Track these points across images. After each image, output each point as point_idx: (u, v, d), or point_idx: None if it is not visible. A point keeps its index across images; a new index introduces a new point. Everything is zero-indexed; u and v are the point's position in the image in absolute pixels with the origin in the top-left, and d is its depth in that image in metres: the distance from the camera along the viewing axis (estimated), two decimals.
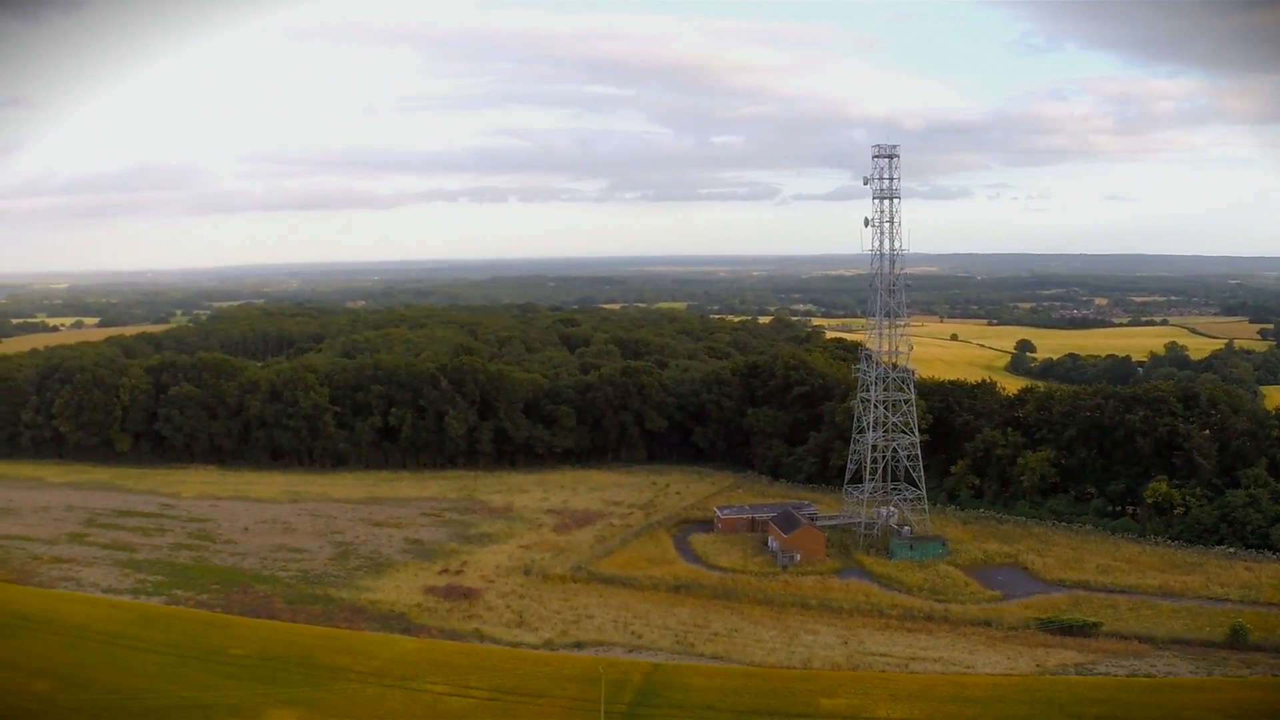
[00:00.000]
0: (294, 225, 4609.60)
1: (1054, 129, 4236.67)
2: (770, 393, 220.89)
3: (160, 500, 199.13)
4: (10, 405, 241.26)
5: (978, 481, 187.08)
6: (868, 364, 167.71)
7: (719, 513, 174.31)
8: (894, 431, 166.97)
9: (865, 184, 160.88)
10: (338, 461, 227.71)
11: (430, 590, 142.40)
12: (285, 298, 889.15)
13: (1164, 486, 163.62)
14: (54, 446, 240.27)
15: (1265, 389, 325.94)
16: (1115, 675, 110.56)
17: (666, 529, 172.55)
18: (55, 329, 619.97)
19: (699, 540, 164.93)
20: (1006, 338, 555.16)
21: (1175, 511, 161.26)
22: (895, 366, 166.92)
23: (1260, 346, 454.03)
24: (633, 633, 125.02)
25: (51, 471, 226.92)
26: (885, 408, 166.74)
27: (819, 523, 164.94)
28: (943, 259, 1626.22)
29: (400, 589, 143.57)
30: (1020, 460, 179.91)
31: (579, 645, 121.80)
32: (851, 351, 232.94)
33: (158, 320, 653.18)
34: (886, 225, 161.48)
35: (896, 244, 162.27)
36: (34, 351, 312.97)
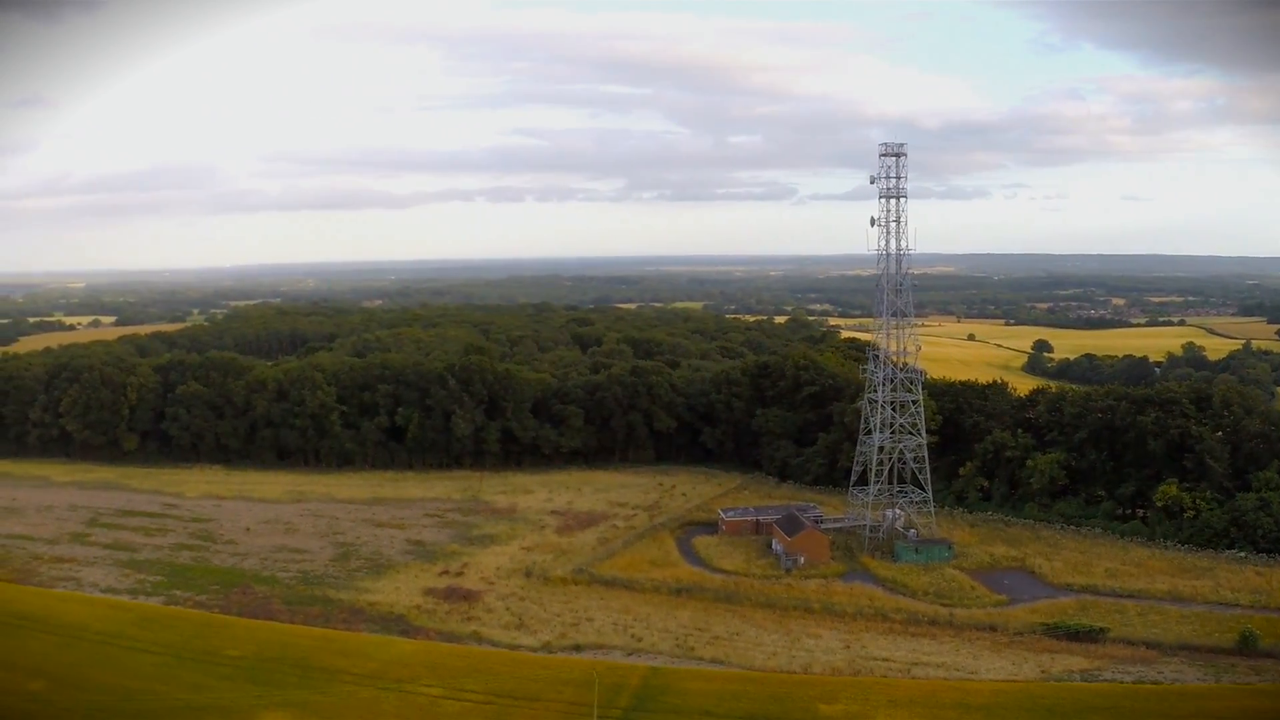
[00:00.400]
0: (311, 224, 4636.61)
1: (1071, 129, 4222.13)
2: (780, 393, 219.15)
3: (164, 500, 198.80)
4: (18, 404, 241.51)
5: (986, 484, 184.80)
6: (875, 364, 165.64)
7: (723, 515, 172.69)
8: (901, 433, 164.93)
9: (872, 183, 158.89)
10: (344, 461, 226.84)
11: (430, 592, 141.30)
12: (302, 297, 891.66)
13: (1174, 489, 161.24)
14: (61, 445, 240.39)
15: None
16: (1121, 682, 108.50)
17: (670, 531, 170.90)
18: (71, 328, 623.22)
19: (703, 542, 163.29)
20: (1023, 338, 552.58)
21: (1186, 515, 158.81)
22: (903, 367, 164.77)
23: (1278, 347, 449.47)
24: (632, 636, 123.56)
25: (57, 470, 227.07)
26: (893, 409, 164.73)
27: (824, 525, 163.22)
28: (960, 259, 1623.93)
29: (400, 590, 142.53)
30: (1030, 462, 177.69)
31: (578, 648, 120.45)
32: (864, 351, 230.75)
33: (174, 319, 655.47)
34: (893, 225, 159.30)
35: (903, 244, 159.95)
36: (43, 350, 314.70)
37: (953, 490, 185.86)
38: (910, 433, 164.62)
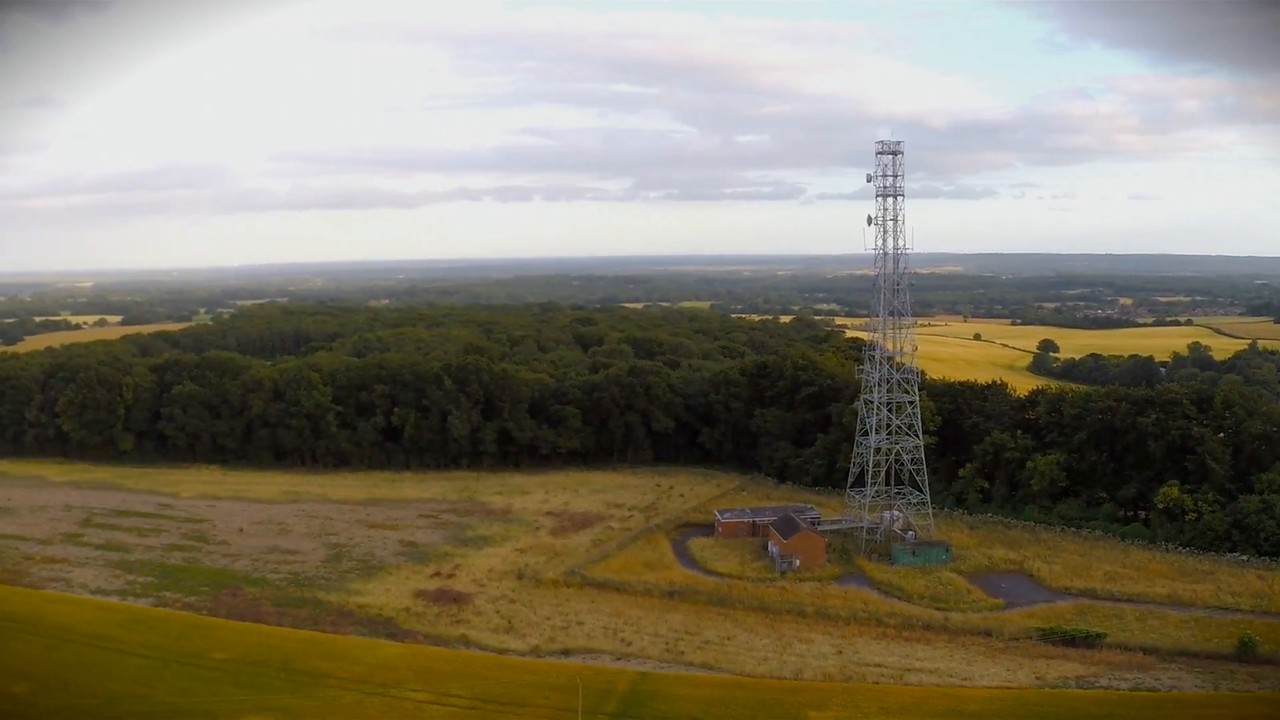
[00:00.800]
0: (320, 224, 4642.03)
1: (1079, 128, 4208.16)
2: (779, 393, 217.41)
3: (159, 500, 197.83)
4: (15, 404, 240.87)
5: (986, 485, 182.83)
6: (871, 365, 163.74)
7: (719, 516, 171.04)
8: (899, 434, 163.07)
9: (869, 181, 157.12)
10: (340, 462, 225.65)
11: (420, 594, 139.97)
12: (309, 296, 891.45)
13: (1175, 491, 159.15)
14: (58, 445, 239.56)
15: None
16: (1117, 689, 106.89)
17: (666, 532, 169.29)
18: (77, 327, 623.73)
19: (698, 544, 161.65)
20: (1030, 337, 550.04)
21: (1187, 517, 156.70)
22: (900, 367, 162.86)
23: None
24: (622, 640, 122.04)
25: (53, 470, 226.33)
26: (890, 410, 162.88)
27: (820, 527, 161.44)
28: (968, 259, 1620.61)
29: (390, 592, 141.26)
30: (1030, 464, 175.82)
31: (566, 652, 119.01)
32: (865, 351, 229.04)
33: (180, 318, 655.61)
34: (891, 223, 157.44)
35: (901, 243, 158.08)
36: (44, 350, 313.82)
37: (952, 492, 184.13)
38: (908, 434, 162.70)
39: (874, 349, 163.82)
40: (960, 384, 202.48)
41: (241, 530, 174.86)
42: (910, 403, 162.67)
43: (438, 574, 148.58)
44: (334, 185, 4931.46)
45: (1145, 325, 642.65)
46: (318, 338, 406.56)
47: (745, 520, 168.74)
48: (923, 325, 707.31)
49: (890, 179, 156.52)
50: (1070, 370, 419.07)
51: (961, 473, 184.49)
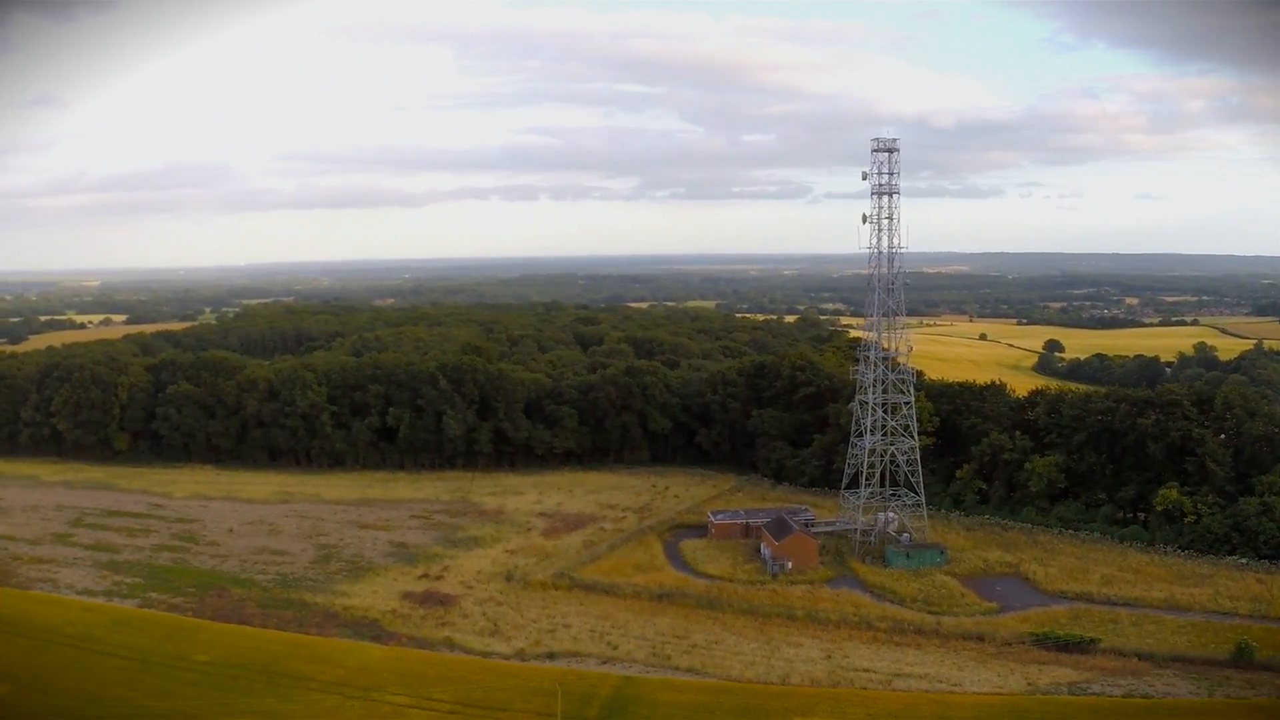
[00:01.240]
0: (326, 223, 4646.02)
1: (1085, 127, 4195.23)
2: (776, 394, 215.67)
3: (151, 500, 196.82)
4: (10, 403, 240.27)
5: (984, 486, 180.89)
6: (865, 365, 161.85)
7: (712, 517, 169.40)
8: (894, 435, 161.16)
9: (864, 179, 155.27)
10: (335, 462, 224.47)
11: (407, 596, 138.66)
12: (315, 295, 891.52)
13: (1175, 494, 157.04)
14: (53, 445, 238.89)
15: None
16: (1110, 696, 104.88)
17: (658, 534, 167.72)
18: (82, 326, 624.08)
19: (690, 546, 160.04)
20: (1035, 337, 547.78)
21: (1186, 520, 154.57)
22: (894, 368, 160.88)
23: None
24: (608, 643, 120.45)
25: (48, 470, 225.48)
26: (885, 410, 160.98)
27: (814, 529, 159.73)
28: (974, 258, 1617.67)
29: (377, 594, 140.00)
30: (1028, 465, 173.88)
31: (551, 656, 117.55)
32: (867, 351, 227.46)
33: (185, 317, 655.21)
34: (885, 222, 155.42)
35: (896, 241, 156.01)
36: (45, 349, 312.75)
37: (950, 493, 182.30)
38: (903, 435, 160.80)
39: (869, 349, 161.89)
40: (958, 384, 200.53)
41: (232, 531, 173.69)
42: (906, 403, 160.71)
43: (425, 575, 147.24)
44: (340, 184, 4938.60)
45: (1151, 325, 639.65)
46: (320, 337, 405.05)
47: (738, 522, 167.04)
48: (928, 325, 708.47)
49: (886, 177, 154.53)
50: (1075, 370, 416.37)
51: (959, 474, 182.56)
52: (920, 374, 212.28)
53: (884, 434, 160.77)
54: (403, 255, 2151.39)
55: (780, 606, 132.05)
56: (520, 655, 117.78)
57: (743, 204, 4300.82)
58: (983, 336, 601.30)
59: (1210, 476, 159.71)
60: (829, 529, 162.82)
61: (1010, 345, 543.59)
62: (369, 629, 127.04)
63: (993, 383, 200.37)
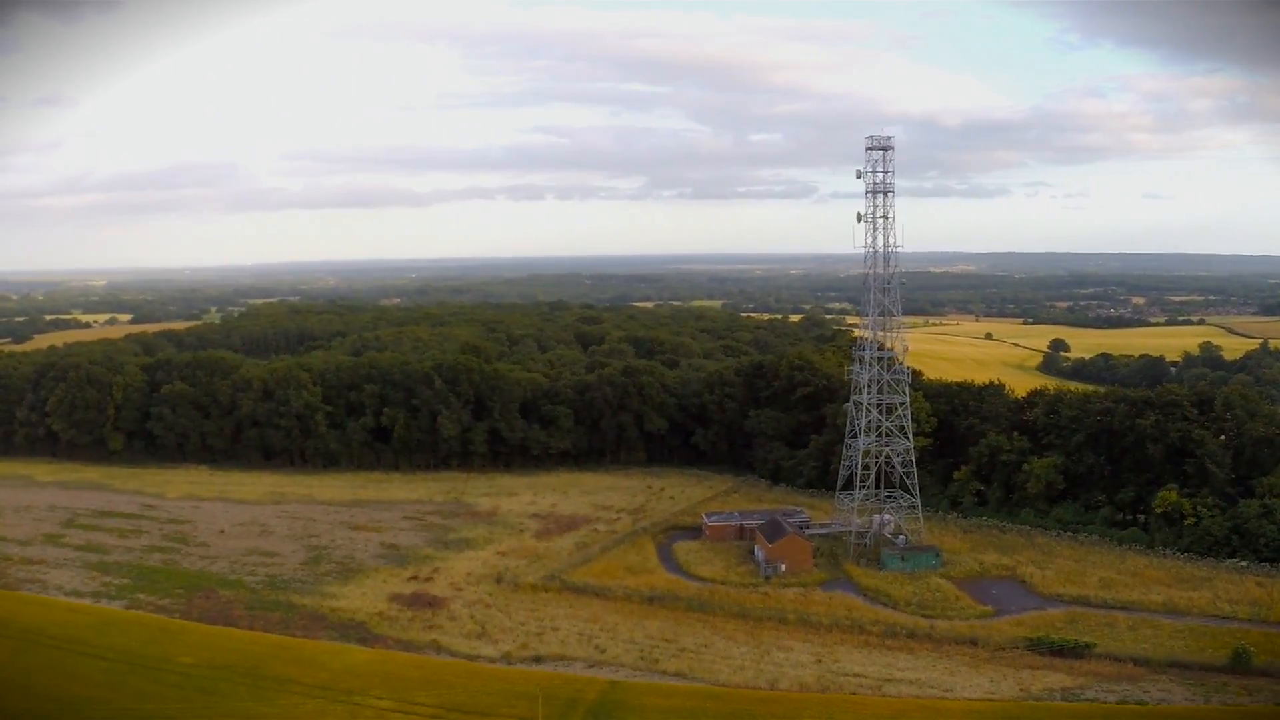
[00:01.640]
0: (334, 222, 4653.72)
1: (1092, 127, 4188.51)
2: (774, 394, 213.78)
3: (143, 501, 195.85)
4: (5, 403, 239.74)
5: (982, 488, 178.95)
6: (860, 366, 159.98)
7: (707, 519, 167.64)
8: (890, 436, 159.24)
9: (859, 177, 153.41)
10: (329, 462, 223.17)
11: (395, 598, 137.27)
12: (321, 295, 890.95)
13: (1174, 495, 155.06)
14: (48, 445, 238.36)
15: None
16: (1104, 702, 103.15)
17: (652, 535, 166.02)
18: (87, 325, 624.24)
19: (683, 548, 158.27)
20: (1041, 337, 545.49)
21: (1186, 522, 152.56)
22: (890, 368, 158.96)
23: None
24: (596, 647, 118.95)
25: (42, 470, 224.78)
26: (880, 411, 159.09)
27: (809, 531, 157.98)
28: (981, 257, 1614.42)
29: (366, 596, 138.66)
30: (1026, 466, 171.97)
31: (538, 659, 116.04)
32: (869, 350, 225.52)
33: (191, 317, 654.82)
34: (881, 221, 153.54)
35: (891, 240, 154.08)
36: (45, 349, 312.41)
37: (947, 494, 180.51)
38: (898, 436, 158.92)
39: (863, 349, 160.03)
40: (956, 385, 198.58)
41: (223, 532, 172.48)
42: (901, 404, 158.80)
43: (415, 578, 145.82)
44: (347, 184, 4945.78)
45: (1157, 325, 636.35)
46: (322, 336, 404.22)
47: (733, 524, 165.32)
48: (934, 324, 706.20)
49: (881, 175, 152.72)
50: (1080, 370, 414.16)
51: (957, 475, 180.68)
52: (918, 374, 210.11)
53: (879, 435, 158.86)
54: (410, 255, 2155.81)
55: (772, 609, 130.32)
56: (507, 659, 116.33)
57: (749, 203, 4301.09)
58: (988, 336, 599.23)
59: (1210, 478, 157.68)
60: (824, 531, 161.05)
61: (1016, 345, 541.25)
62: (355, 631, 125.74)
63: (991, 383, 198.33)
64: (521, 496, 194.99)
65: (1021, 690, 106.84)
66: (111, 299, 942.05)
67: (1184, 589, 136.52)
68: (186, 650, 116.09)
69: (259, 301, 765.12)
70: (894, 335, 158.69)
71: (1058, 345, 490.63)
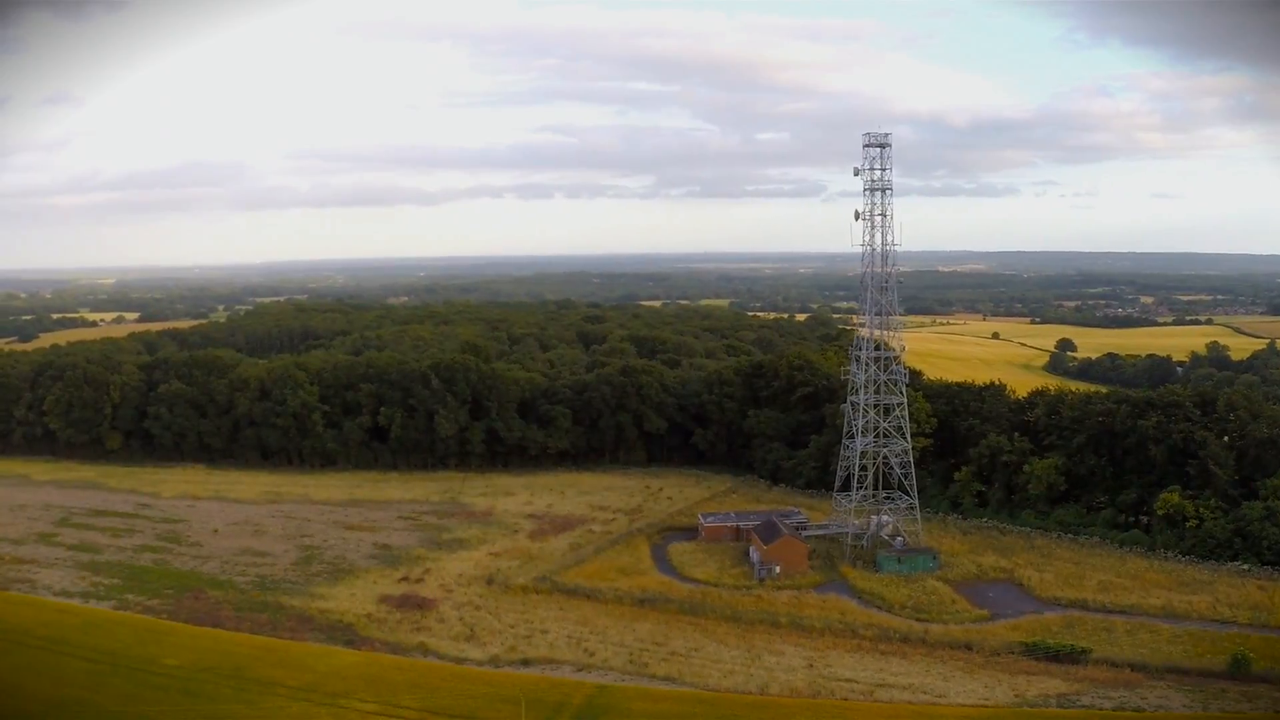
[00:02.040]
0: (342, 221, 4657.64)
1: (1100, 126, 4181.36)
2: (774, 394, 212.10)
3: (138, 500, 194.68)
4: (3, 402, 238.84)
5: (982, 489, 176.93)
6: (856, 366, 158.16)
7: (703, 520, 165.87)
8: (888, 436, 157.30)
9: (856, 175, 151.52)
10: (326, 461, 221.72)
11: (385, 599, 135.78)
12: (330, 293, 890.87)
13: (1176, 497, 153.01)
14: (46, 444, 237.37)
15: None
16: (1100, 709, 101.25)
17: (647, 536, 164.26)
18: (94, 324, 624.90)
19: (678, 549, 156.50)
20: (1049, 336, 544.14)
21: (1188, 524, 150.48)
22: (887, 368, 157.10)
23: None
24: (585, 650, 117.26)
25: (39, 469, 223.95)
26: (878, 411, 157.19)
27: (805, 533, 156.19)
28: (990, 256, 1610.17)
29: (355, 597, 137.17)
30: (1027, 467, 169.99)
31: (526, 663, 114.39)
32: (876, 350, 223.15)
33: (198, 315, 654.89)
34: (879, 219, 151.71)
35: (889, 238, 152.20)
36: (50, 348, 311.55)
37: (948, 495, 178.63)
38: (896, 436, 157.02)
39: (860, 349, 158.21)
40: (957, 385, 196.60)
41: (216, 531, 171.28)
42: (899, 404, 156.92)
43: (406, 579, 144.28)
44: (355, 183, 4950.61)
45: (1165, 324, 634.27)
46: (326, 335, 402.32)
47: (729, 524, 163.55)
48: (941, 323, 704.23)
49: (879, 172, 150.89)
50: (1087, 370, 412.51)
51: (957, 476, 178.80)
52: (918, 374, 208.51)
53: (877, 436, 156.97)
54: (418, 254, 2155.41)
55: (764, 613, 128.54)
56: (494, 662, 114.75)
57: (757, 202, 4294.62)
58: (995, 335, 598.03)
59: (1213, 480, 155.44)
60: (821, 532, 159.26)
61: (1023, 344, 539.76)
62: (343, 633, 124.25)
63: (992, 383, 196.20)
64: (518, 496, 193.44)
65: (1016, 696, 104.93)
66: (119, 297, 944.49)
67: (1184, 593, 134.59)
68: (173, 652, 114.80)
69: (267, 300, 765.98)
70: (892, 335, 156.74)
71: (1065, 345, 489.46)
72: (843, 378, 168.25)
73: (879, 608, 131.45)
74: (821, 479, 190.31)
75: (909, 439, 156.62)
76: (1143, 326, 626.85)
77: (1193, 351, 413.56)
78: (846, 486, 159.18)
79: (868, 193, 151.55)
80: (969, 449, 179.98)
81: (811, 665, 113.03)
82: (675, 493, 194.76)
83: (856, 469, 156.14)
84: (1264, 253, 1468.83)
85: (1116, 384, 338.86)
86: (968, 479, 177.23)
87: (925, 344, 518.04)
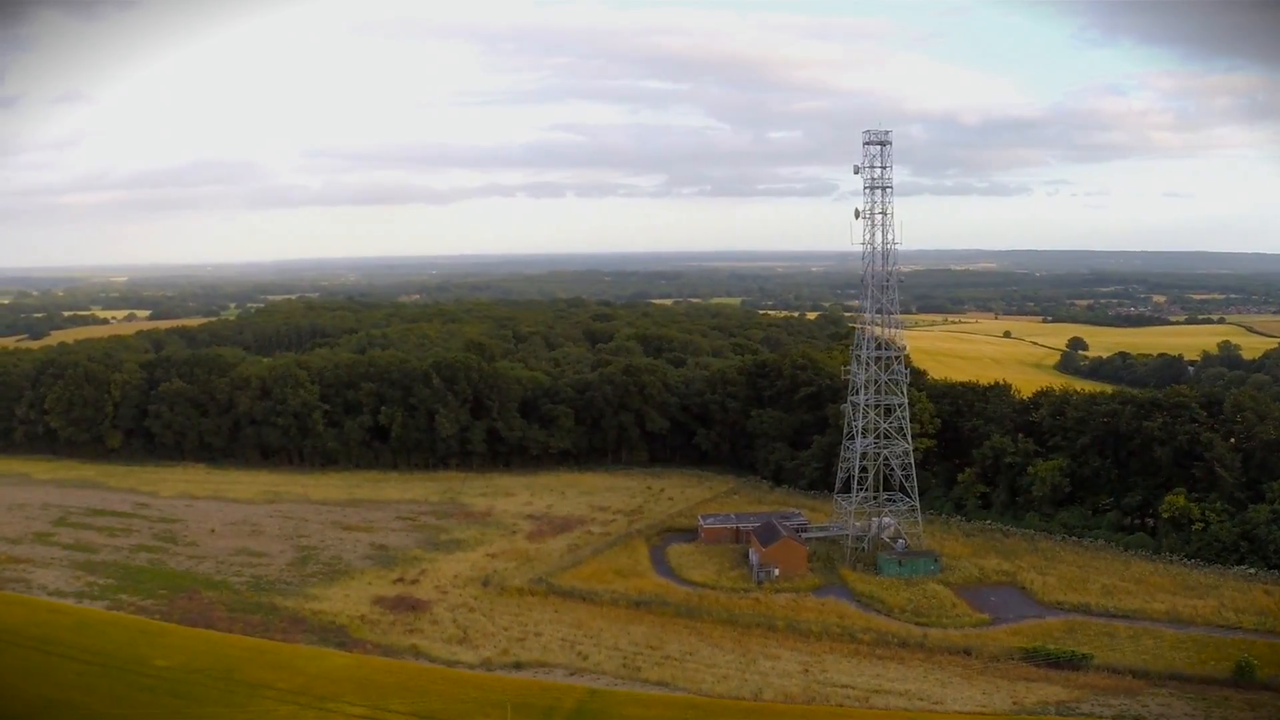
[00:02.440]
0: (354, 219, 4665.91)
1: (1112, 125, 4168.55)
2: (777, 393, 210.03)
3: (137, 499, 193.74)
4: (5, 401, 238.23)
5: (986, 491, 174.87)
6: (857, 366, 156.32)
7: (702, 521, 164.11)
8: (889, 437, 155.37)
9: (856, 173, 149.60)
10: (327, 461, 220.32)
11: (379, 601, 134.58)
12: (341, 291, 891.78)
13: (1182, 500, 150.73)
14: (47, 443, 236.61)
15: None
16: (1100, 716, 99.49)
17: (646, 538, 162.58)
18: (105, 321, 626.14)
19: (677, 551, 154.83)
20: (1060, 335, 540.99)
21: (1194, 527, 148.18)
22: (887, 369, 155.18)
23: None
24: (579, 653, 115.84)
25: (39, 468, 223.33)
26: (879, 412, 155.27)
27: (806, 535, 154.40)
28: (1002, 255, 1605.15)
29: (349, 599, 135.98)
30: (1031, 469, 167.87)
31: (518, 666, 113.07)
32: (885, 349, 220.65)
33: (210, 313, 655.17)
34: (879, 217, 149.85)
35: (890, 237, 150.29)
36: (57, 346, 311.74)
37: (951, 497, 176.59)
38: (897, 437, 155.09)
39: (860, 349, 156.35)
40: (961, 385, 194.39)
41: (213, 531, 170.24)
42: (900, 405, 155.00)
43: (401, 580, 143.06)
44: (367, 181, 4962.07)
45: (1177, 323, 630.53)
46: (334, 333, 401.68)
47: (729, 526, 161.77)
48: (953, 322, 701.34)
49: (879, 171, 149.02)
50: (1098, 369, 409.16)
51: (961, 477, 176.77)
52: (923, 374, 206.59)
53: (877, 436, 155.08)
54: (430, 252, 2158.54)
55: (761, 616, 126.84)
56: (486, 665, 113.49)
57: (770, 201, 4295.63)
58: (1007, 334, 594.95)
59: (1219, 482, 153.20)
60: (821, 534, 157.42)
61: (1034, 343, 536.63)
62: (335, 635, 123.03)
63: (996, 383, 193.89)
64: (518, 497, 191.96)
65: (1014, 703, 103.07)
66: (131, 295, 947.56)
67: (1189, 597, 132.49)
68: (164, 653, 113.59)
69: (278, 298, 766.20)
70: (894, 334, 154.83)
71: (1076, 344, 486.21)
72: (844, 378, 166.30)
73: (878, 611, 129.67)
74: (824, 480, 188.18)
75: (910, 440, 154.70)
76: (1155, 325, 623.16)
77: (1204, 351, 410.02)
78: (847, 488, 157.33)
79: (868, 191, 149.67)
80: (972, 450, 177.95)
81: (807, 670, 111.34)
82: (677, 493, 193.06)
83: (857, 470, 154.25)
84: (1277, 251, 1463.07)
85: (1128, 383, 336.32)
86: (971, 480, 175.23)
87: (937, 342, 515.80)
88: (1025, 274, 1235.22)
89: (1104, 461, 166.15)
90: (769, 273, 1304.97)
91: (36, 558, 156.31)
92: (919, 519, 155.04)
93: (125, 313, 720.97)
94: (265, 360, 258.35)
